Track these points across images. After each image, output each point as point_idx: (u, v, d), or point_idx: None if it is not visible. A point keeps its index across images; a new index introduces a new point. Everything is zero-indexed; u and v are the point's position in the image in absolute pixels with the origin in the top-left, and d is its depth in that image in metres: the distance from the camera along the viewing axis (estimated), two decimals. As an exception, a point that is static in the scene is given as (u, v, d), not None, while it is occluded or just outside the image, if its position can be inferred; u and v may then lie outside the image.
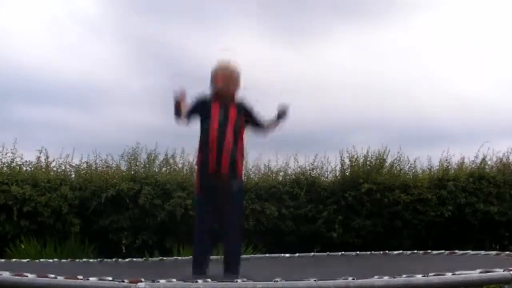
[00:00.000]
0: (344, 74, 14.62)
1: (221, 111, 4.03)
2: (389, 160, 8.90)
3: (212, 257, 4.30)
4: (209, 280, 2.51)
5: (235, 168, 4.00)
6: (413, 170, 9.05)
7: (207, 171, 3.98)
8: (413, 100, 14.36)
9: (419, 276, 2.72)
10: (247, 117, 4.17)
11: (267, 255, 6.41)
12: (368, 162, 8.76)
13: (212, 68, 4.20)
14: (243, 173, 4.35)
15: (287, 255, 5.57)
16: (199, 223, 4.21)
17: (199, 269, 3.92)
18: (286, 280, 2.55)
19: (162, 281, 2.42)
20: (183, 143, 8.70)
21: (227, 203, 4.02)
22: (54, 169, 8.37)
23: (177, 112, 4.08)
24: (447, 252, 5.26)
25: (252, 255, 6.60)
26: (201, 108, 4.13)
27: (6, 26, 14.22)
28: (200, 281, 2.45)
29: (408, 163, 9.03)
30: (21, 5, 14.06)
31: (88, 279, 2.45)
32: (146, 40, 14.49)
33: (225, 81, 4.10)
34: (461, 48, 15.04)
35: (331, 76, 14.69)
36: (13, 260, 5.24)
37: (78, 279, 2.46)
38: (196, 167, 4.18)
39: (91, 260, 5.26)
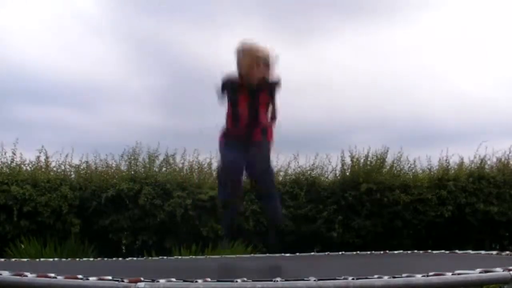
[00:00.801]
0: (346, 73, 14.63)
1: (251, 96, 3.72)
2: (389, 160, 8.92)
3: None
4: (209, 279, 2.50)
5: (266, 134, 3.77)
6: (413, 170, 9.06)
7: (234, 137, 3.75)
8: (414, 99, 14.38)
9: (419, 276, 2.71)
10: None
11: (267, 255, 6.40)
12: (368, 162, 8.77)
13: (236, 48, 3.80)
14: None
15: (287, 254, 5.55)
16: (225, 172, 3.82)
17: (229, 234, 3.81)
18: (286, 280, 2.55)
19: (162, 280, 2.41)
20: (183, 143, 8.72)
21: (257, 151, 3.69)
22: (54, 169, 8.37)
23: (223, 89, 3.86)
24: (447, 252, 5.25)
25: (252, 255, 6.60)
26: (230, 88, 3.81)
27: (6, 26, 14.22)
28: (199, 280, 2.44)
29: (408, 163, 9.05)
30: (21, 5, 14.06)
31: (88, 279, 2.45)
32: (146, 40, 14.49)
33: (250, 68, 3.70)
34: (462, 48, 15.04)
35: (332, 76, 14.70)
36: (13, 259, 5.23)
37: (77, 278, 2.46)
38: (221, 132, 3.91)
39: (91, 259, 5.27)
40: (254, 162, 3.72)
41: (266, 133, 3.79)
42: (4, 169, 8.06)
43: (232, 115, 3.82)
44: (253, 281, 2.51)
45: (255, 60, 3.71)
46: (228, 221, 4.09)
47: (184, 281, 2.45)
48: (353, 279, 2.56)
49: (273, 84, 3.82)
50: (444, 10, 15.21)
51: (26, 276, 2.57)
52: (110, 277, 2.46)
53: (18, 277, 2.56)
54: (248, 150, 3.72)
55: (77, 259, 5.27)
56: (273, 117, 3.92)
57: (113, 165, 8.58)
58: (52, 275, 2.58)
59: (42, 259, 5.28)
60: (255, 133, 3.74)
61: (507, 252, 4.74)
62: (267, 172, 3.83)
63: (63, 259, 5.26)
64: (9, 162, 8.15)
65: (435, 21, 14.82)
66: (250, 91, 3.76)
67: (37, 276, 2.55)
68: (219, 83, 3.88)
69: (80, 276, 2.49)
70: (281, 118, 3.98)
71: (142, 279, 2.39)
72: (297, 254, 5.67)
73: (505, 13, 14.55)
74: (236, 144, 3.75)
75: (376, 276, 2.61)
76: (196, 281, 2.43)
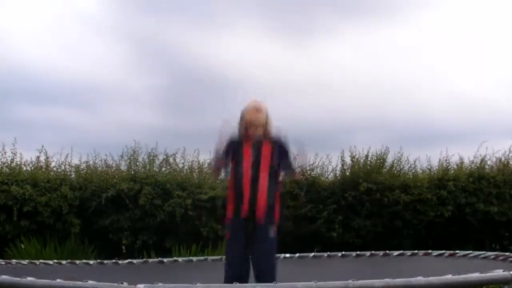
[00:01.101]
0: (346, 73, 14.63)
1: (254, 151, 3.68)
2: (389, 160, 8.91)
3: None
4: (208, 282, 2.50)
5: (271, 215, 3.63)
6: (413, 170, 9.06)
7: (240, 216, 3.61)
8: (414, 99, 14.39)
9: (419, 277, 2.71)
10: (281, 157, 3.83)
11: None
12: (368, 162, 8.76)
13: (242, 110, 3.83)
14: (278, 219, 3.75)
15: (287, 255, 5.55)
16: (229, 267, 3.64)
17: None
18: (286, 281, 2.55)
19: (160, 284, 2.41)
20: (183, 143, 8.72)
21: (260, 247, 3.59)
22: (54, 169, 8.37)
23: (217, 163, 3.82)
24: (447, 252, 5.25)
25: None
26: (233, 148, 3.76)
27: (6, 26, 14.22)
28: (199, 284, 2.44)
29: (408, 163, 9.04)
30: (21, 5, 14.06)
31: (87, 281, 2.45)
32: (146, 40, 14.50)
33: (252, 123, 3.71)
34: (462, 48, 15.04)
35: (332, 76, 14.70)
36: (13, 261, 5.23)
37: (77, 281, 2.46)
38: (227, 210, 3.82)
39: (91, 261, 5.25)
40: (257, 259, 3.59)
41: (271, 213, 3.66)
42: (4, 169, 8.06)
43: (235, 179, 3.71)
44: (253, 282, 2.51)
45: (255, 117, 3.73)
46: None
47: (183, 283, 2.45)
48: (353, 280, 2.56)
49: (275, 139, 3.83)
50: (444, 10, 15.23)
51: (26, 278, 2.57)
52: (109, 280, 2.46)
53: (18, 279, 2.57)
54: (252, 240, 3.58)
55: (77, 261, 5.26)
56: (289, 167, 3.91)
57: (113, 165, 8.58)
58: (51, 277, 2.58)
59: (41, 261, 5.27)
60: (259, 211, 3.59)
61: (508, 253, 4.74)
62: (268, 271, 3.59)
63: (63, 261, 5.25)
64: (9, 162, 8.15)
65: (435, 21, 14.83)
66: (253, 145, 3.73)
67: (38, 278, 2.55)
68: (221, 143, 3.80)
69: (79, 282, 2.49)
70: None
71: (141, 282, 2.39)
72: (297, 254, 5.67)
73: (505, 13, 14.56)
74: (240, 233, 3.62)
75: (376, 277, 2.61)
76: (196, 284, 2.43)
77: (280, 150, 3.80)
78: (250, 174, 3.62)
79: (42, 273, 2.70)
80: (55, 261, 5.21)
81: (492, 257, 4.60)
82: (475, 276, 2.87)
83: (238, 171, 3.67)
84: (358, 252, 5.71)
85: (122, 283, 2.37)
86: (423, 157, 9.38)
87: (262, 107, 3.78)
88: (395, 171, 8.89)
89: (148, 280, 2.44)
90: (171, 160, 8.65)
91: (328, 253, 5.81)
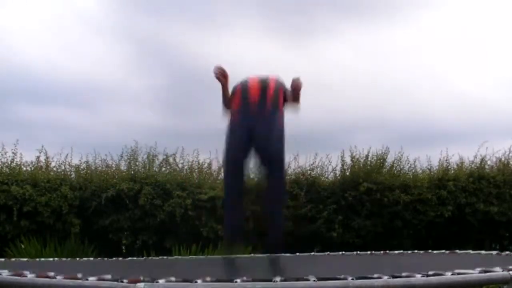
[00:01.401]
0: (346, 73, 14.63)
1: (260, 81, 3.88)
2: (389, 160, 8.91)
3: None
4: (209, 279, 2.50)
5: (277, 105, 3.75)
6: (413, 170, 9.06)
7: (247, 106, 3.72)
8: (414, 99, 14.39)
9: (419, 276, 2.71)
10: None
11: (266, 255, 6.39)
12: (368, 162, 8.76)
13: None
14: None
15: (287, 255, 5.55)
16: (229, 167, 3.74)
17: (232, 239, 3.68)
18: (286, 280, 2.55)
19: (161, 281, 2.41)
20: (183, 143, 8.72)
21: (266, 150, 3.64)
22: (54, 169, 8.37)
23: (225, 99, 3.89)
24: (447, 252, 5.25)
25: (251, 255, 6.59)
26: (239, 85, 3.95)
27: (6, 26, 14.23)
28: (199, 281, 2.44)
29: (408, 163, 9.05)
30: (21, 5, 14.07)
31: (87, 279, 2.44)
32: (146, 40, 14.50)
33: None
34: (462, 48, 15.05)
35: (332, 76, 14.70)
36: (13, 259, 5.23)
37: (76, 278, 2.46)
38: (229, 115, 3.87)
39: (91, 259, 5.27)
40: (263, 143, 3.62)
41: (277, 105, 3.70)
42: (4, 169, 8.06)
43: (242, 92, 3.81)
44: (253, 281, 2.51)
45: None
46: (233, 223, 3.93)
47: (184, 281, 2.45)
48: (352, 279, 2.55)
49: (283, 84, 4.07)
50: (444, 10, 15.22)
51: (26, 276, 2.57)
52: (109, 277, 2.46)
53: (18, 277, 2.56)
54: (256, 126, 3.61)
55: (77, 258, 5.27)
56: (288, 97, 3.98)
57: (113, 165, 8.58)
58: (52, 274, 2.58)
59: (42, 259, 5.28)
60: (267, 102, 3.68)
61: (507, 252, 4.74)
62: (279, 161, 3.65)
63: (63, 259, 5.25)
64: (9, 162, 8.15)
65: (435, 21, 14.83)
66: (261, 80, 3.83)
67: (37, 276, 2.55)
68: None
69: (79, 275, 2.49)
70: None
71: (141, 279, 2.39)
72: (297, 254, 5.67)
73: (505, 13, 14.56)
74: (244, 122, 3.68)
75: (376, 275, 2.61)
76: (196, 281, 2.43)
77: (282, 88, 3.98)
78: (259, 84, 3.83)
79: (41, 270, 2.70)
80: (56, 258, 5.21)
81: (492, 256, 4.59)
82: (475, 275, 2.86)
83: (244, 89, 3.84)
84: (358, 252, 5.71)
85: (122, 281, 2.37)
86: (423, 157, 9.39)
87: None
88: (395, 171, 8.89)
89: (149, 277, 2.44)
90: (171, 160, 8.67)
91: (328, 252, 5.81)
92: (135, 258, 5.46)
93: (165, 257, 5.34)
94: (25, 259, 5.14)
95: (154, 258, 5.43)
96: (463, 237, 8.67)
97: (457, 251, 5.23)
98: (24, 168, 8.22)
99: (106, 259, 5.22)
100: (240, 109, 3.79)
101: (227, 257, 4.75)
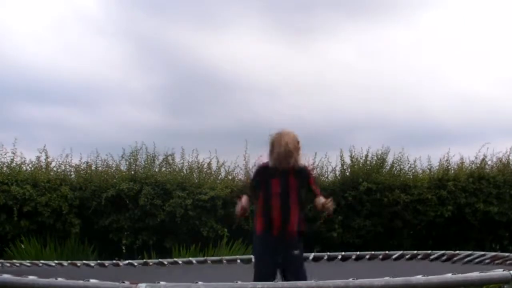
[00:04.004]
0: (346, 73, 14.64)
1: (282, 179, 3.77)
2: (389, 160, 8.91)
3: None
4: (209, 281, 2.51)
5: (299, 236, 3.74)
6: (413, 170, 9.06)
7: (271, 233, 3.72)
8: (414, 99, 14.40)
9: (419, 276, 2.72)
10: (304, 183, 3.89)
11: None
12: (368, 162, 8.76)
13: (270, 136, 3.89)
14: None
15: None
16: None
17: None
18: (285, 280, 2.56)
19: (162, 282, 2.42)
20: (183, 143, 8.73)
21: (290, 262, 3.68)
22: (54, 169, 8.37)
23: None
24: (448, 252, 5.25)
25: (252, 255, 6.59)
26: (261, 177, 3.88)
27: (7, 25, 14.23)
28: (200, 282, 2.45)
29: (408, 163, 9.04)
30: (22, 4, 14.08)
31: (89, 281, 2.45)
32: (147, 40, 14.51)
33: (280, 154, 3.77)
34: (462, 47, 15.06)
35: (334, 75, 14.71)
36: (14, 261, 5.23)
37: (79, 280, 2.47)
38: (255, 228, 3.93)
39: (92, 262, 5.26)
40: (289, 267, 3.66)
41: (300, 232, 3.76)
42: (4, 169, 8.06)
43: (264, 205, 3.81)
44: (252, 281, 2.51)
45: (285, 144, 3.77)
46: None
47: (185, 283, 2.45)
48: (352, 279, 2.56)
49: (301, 169, 3.90)
50: (445, 10, 15.23)
51: (28, 277, 2.57)
52: (111, 280, 2.47)
53: (19, 278, 2.57)
54: (281, 251, 3.67)
55: (78, 261, 5.26)
56: (316, 195, 3.93)
57: (113, 165, 8.58)
58: (53, 277, 2.58)
59: (42, 261, 5.28)
60: (290, 228, 3.70)
61: (507, 254, 4.74)
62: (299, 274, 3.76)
63: (64, 261, 5.25)
64: (9, 162, 8.15)
65: (436, 21, 14.84)
66: (281, 173, 3.80)
67: (39, 278, 2.55)
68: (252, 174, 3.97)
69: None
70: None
71: (143, 281, 2.39)
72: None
73: (505, 13, 14.56)
74: (270, 245, 3.71)
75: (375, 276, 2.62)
76: (197, 283, 2.44)
77: (303, 179, 3.87)
78: (279, 203, 3.71)
79: (43, 273, 2.71)
80: (56, 262, 5.21)
81: (492, 256, 4.60)
82: (475, 275, 2.87)
83: (267, 201, 3.75)
84: (358, 252, 5.71)
85: (123, 282, 2.37)
86: (423, 157, 9.39)
87: (292, 138, 3.81)
88: (395, 171, 8.89)
89: (149, 279, 2.45)
90: (170, 160, 8.66)
91: (328, 253, 5.81)
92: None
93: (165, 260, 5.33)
94: (27, 261, 5.12)
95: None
96: (463, 237, 8.67)
97: (458, 251, 5.23)
98: (24, 168, 8.22)
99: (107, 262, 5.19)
100: (263, 235, 3.84)
101: (228, 258, 4.75)
